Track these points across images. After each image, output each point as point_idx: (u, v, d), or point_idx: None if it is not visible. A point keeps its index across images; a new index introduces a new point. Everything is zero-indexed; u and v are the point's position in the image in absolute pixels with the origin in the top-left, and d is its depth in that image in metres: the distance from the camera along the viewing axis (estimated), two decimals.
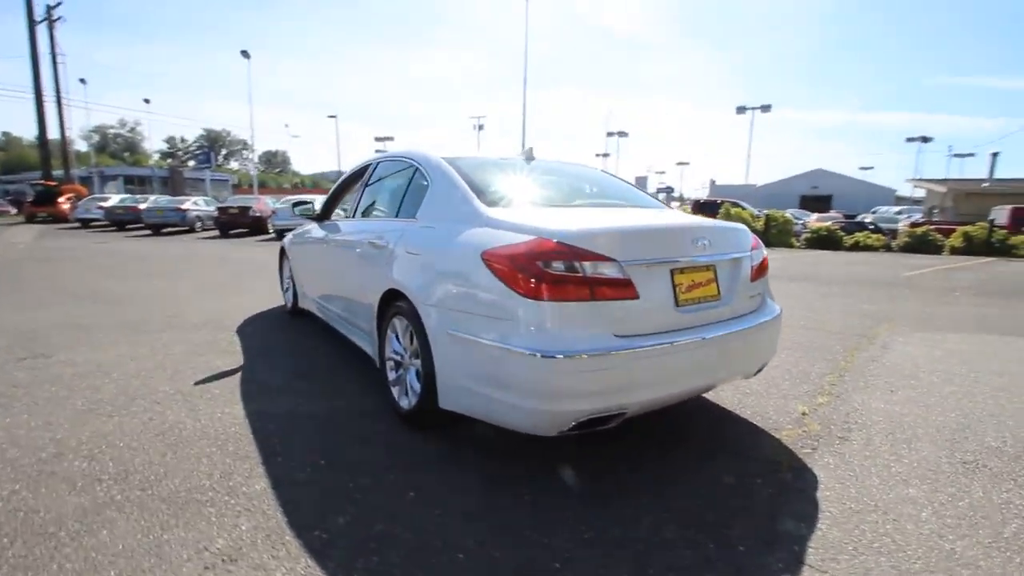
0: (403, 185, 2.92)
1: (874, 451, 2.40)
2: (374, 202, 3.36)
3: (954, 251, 14.02)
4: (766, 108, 26.30)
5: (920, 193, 34.30)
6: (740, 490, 2.07)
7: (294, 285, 4.72)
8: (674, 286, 2.07)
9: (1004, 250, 13.59)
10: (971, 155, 39.76)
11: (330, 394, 2.99)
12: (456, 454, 2.32)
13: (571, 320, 1.86)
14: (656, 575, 1.59)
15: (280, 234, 15.87)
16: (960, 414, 2.83)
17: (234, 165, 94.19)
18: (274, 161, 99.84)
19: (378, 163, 3.41)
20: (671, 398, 2.12)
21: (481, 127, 56.31)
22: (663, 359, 1.96)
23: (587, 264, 1.87)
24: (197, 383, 3.14)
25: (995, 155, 31.01)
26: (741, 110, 26.81)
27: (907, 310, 5.93)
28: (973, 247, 13.72)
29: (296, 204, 4.21)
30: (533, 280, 1.86)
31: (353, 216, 3.44)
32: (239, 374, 3.31)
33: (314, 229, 4.27)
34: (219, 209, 17.08)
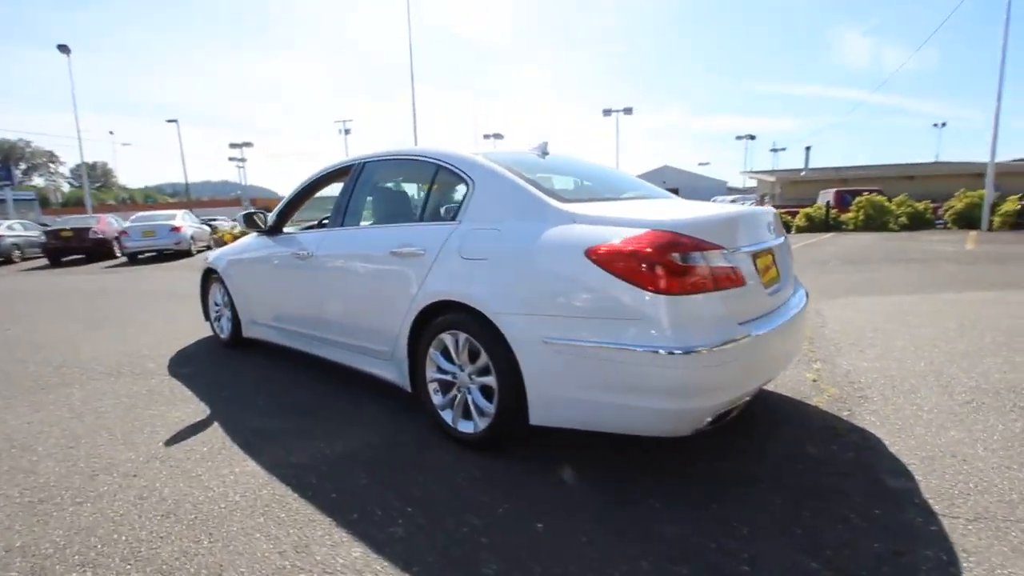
0: (422, 186, 2.61)
1: (896, 405, 2.68)
2: (373, 208, 2.96)
3: (799, 230, 16.64)
4: (628, 111, 28.74)
5: (751, 183, 40.07)
6: (828, 457, 2.18)
7: (234, 312, 4.01)
8: (757, 271, 2.11)
9: (837, 226, 16.58)
10: (783, 149, 47.37)
11: (352, 430, 2.58)
12: (543, 471, 2.12)
13: (701, 312, 1.80)
14: (830, 539, 1.60)
15: (132, 258, 13.59)
16: (926, 363, 3.29)
17: (38, 181, 78.74)
18: (93, 175, 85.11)
19: (366, 163, 3.00)
20: (768, 381, 2.17)
21: (348, 131, 53.79)
22: (772, 342, 1.99)
23: (706, 254, 1.82)
24: (168, 443, 2.51)
25: (808, 148, 37.28)
26: (607, 112, 28.95)
27: (804, 281, 6.82)
28: (814, 225, 16.52)
29: (247, 216, 3.56)
30: (662, 274, 1.76)
31: (341, 225, 2.99)
32: (217, 423, 2.72)
33: (263, 245, 3.66)
34: (48, 233, 14.08)
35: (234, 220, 32.97)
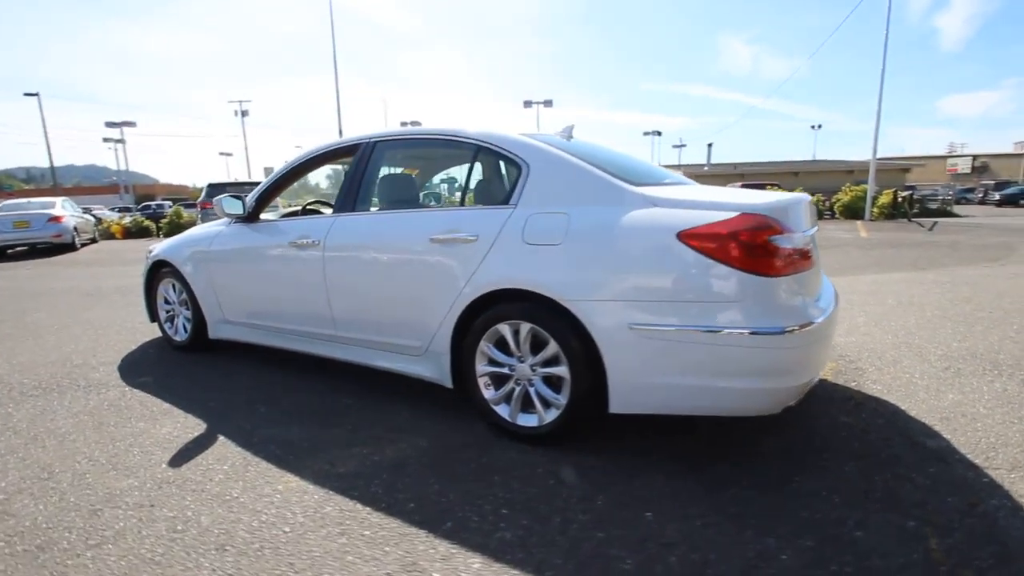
0: (455, 168, 2.44)
1: (892, 375, 2.96)
2: (393, 191, 2.70)
3: None
4: (548, 103, 29.23)
5: None
6: (865, 425, 2.35)
7: (196, 311, 3.52)
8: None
9: None
10: (684, 146, 50.81)
11: (390, 434, 2.37)
12: (616, 461, 2.09)
13: (790, 293, 1.85)
14: (908, 499, 1.72)
15: (0, 253, 11.59)
16: (893, 337, 3.68)
17: None
18: None
19: (376, 143, 2.73)
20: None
21: (245, 113, 49.57)
22: (833, 323, 2.10)
23: (791, 236, 1.87)
24: (174, 464, 2.15)
25: (710, 145, 40.35)
26: (528, 104, 29.24)
27: None
28: None
29: (230, 198, 3.11)
30: (761, 256, 1.78)
31: (352, 210, 2.71)
32: (223, 437, 2.37)
33: (238, 234, 3.24)
34: None
35: (117, 209, 29.17)
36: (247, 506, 1.84)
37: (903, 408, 2.52)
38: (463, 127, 2.47)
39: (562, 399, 2.11)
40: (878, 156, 18.55)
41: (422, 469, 2.07)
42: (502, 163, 2.36)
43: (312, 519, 1.76)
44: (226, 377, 3.17)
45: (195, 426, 2.51)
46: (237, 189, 12.29)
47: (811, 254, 2.01)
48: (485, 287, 2.20)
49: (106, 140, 40.24)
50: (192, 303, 3.53)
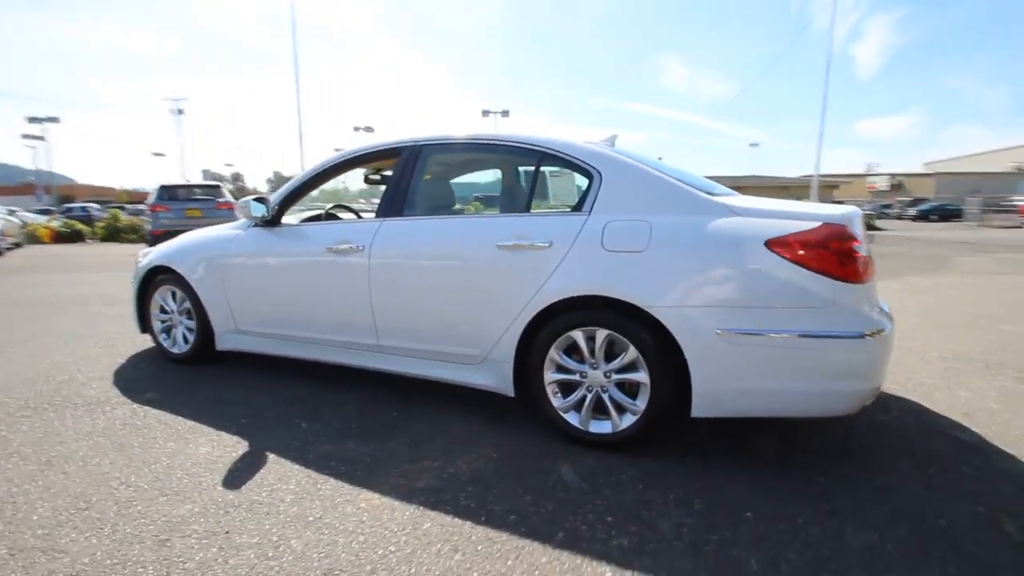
0: (516, 175, 2.41)
1: (904, 375, 3.17)
2: (445, 197, 2.63)
3: None
4: (505, 113, 29.52)
5: None
6: (900, 424, 2.51)
7: (202, 321, 3.28)
8: None
9: None
10: None
11: (456, 446, 2.29)
12: (691, 464, 2.12)
13: (869, 299, 1.96)
14: (969, 490, 1.85)
15: None
16: None
17: None
18: None
19: (424, 147, 2.66)
20: None
21: (181, 112, 46.85)
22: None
23: (863, 245, 1.98)
24: (229, 487, 1.99)
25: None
26: (485, 113, 29.39)
27: None
28: None
29: (258, 200, 2.91)
30: (848, 263, 1.87)
31: (400, 215, 2.62)
32: (273, 455, 2.22)
33: (257, 238, 3.06)
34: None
35: (36, 212, 26.51)
36: (336, 527, 1.73)
37: (926, 406, 2.72)
38: (525, 134, 2.46)
39: (639, 405, 2.12)
40: (807, 174, 20.08)
41: (504, 480, 2.02)
42: (570, 171, 2.36)
43: (415, 537, 1.68)
44: (244, 391, 2.97)
45: (235, 444, 2.33)
46: (189, 191, 11.57)
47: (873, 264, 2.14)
48: (559, 294, 2.18)
49: (26, 137, 36.81)
50: (198, 312, 3.28)
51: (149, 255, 3.56)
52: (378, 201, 2.76)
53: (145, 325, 3.60)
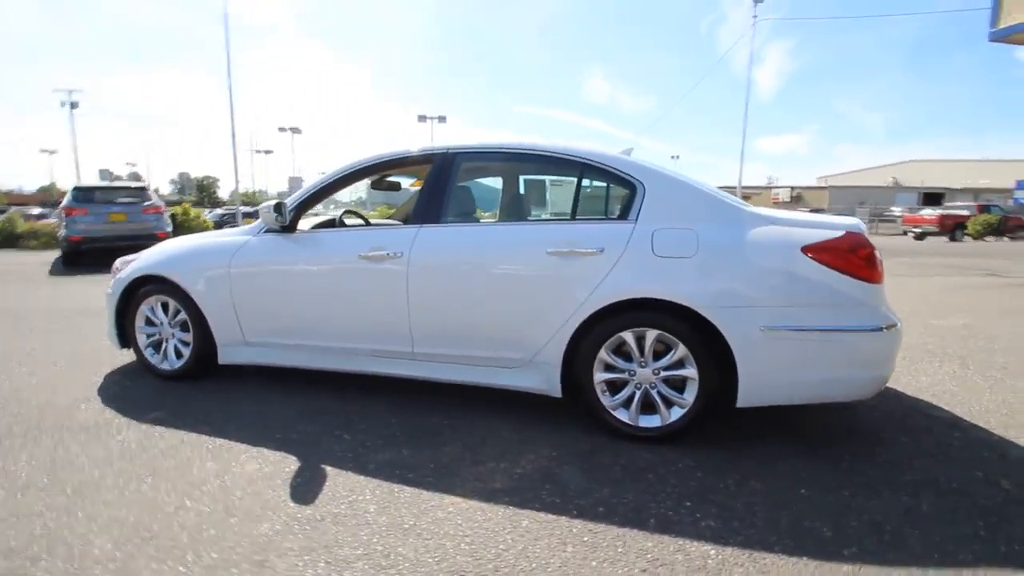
0: (569, 186, 2.52)
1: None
2: (480, 203, 2.66)
3: None
4: (442, 119, 29.32)
5: None
6: (902, 411, 2.88)
7: (201, 333, 3.08)
8: None
9: None
10: None
11: (512, 447, 2.35)
12: (755, 450, 2.30)
13: (882, 297, 2.25)
14: (995, 470, 2.20)
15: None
16: None
17: None
18: None
19: (457, 154, 2.68)
20: None
21: (75, 105, 42.32)
22: None
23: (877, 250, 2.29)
24: (299, 502, 1.93)
25: None
26: (422, 119, 29.01)
27: None
28: None
29: (278, 205, 2.77)
30: (873, 266, 2.16)
31: (437, 222, 2.63)
32: (327, 467, 2.16)
33: (278, 246, 2.92)
34: None
35: None
36: (436, 531, 1.74)
37: (899, 390, 3.13)
38: (569, 144, 2.58)
39: (687, 398, 2.30)
40: (720, 186, 21.92)
41: (574, 476, 2.11)
42: (612, 182, 2.50)
43: (519, 534, 1.73)
44: (257, 405, 2.83)
45: (281, 460, 2.25)
46: (109, 193, 10.54)
47: None
48: (612, 297, 2.31)
49: None
50: (197, 324, 3.08)
51: (132, 264, 3.28)
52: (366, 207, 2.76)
53: (125, 340, 3.31)
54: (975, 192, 35.66)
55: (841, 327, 2.15)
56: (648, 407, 2.37)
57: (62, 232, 9.72)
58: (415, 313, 2.63)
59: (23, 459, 2.25)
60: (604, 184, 2.61)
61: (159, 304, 3.20)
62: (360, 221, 3.45)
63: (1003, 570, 1.57)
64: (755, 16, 22.59)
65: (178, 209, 15.21)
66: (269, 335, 2.99)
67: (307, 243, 2.91)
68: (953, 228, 20.59)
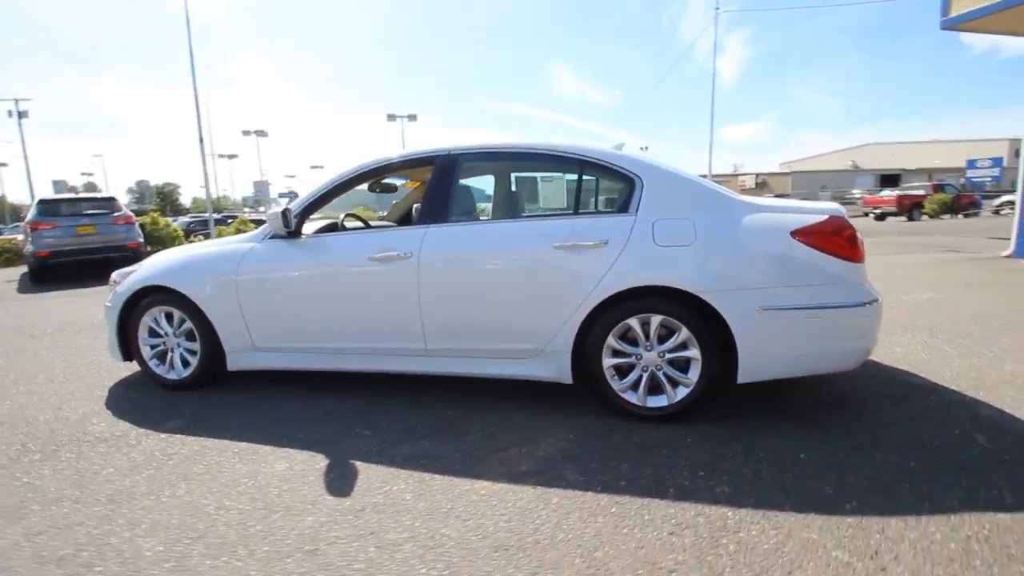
0: (569, 181, 2.65)
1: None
2: (487, 202, 2.75)
3: None
4: (412, 117, 29.08)
5: None
6: (866, 377, 3.10)
7: (208, 342, 3.10)
8: None
9: None
10: None
11: (526, 433, 2.47)
12: (755, 422, 2.47)
13: (864, 275, 2.44)
14: (936, 421, 2.42)
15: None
16: None
17: None
18: None
19: (460, 155, 2.78)
20: None
21: (23, 114, 40.37)
22: None
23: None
24: (336, 494, 2.01)
25: None
26: (391, 118, 28.72)
27: None
28: None
29: (284, 213, 2.80)
30: (856, 247, 2.34)
31: (442, 221, 2.72)
32: (354, 462, 2.25)
33: (284, 252, 2.97)
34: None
35: None
36: (475, 512, 1.85)
37: (878, 360, 3.36)
38: (569, 143, 2.70)
39: (691, 377, 2.46)
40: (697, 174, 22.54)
41: (593, 456, 2.24)
42: (610, 177, 2.63)
43: (551, 510, 1.85)
44: (272, 409, 2.88)
45: (308, 459, 2.32)
46: (76, 205, 10.22)
47: None
48: (619, 286, 2.45)
49: None
50: (204, 333, 3.10)
51: (132, 276, 3.27)
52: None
53: (128, 352, 3.31)
54: (929, 172, 37.26)
55: (829, 304, 2.34)
56: (655, 388, 2.52)
57: (28, 248, 9.39)
58: (427, 311, 2.72)
59: (47, 473, 2.27)
60: (605, 179, 2.74)
61: (163, 314, 3.21)
62: (360, 224, 3.51)
63: (984, 512, 1.77)
64: (717, 8, 23.10)
65: (146, 219, 14.77)
66: (280, 340, 3.04)
67: (315, 247, 2.96)
68: (911, 208, 21.50)
